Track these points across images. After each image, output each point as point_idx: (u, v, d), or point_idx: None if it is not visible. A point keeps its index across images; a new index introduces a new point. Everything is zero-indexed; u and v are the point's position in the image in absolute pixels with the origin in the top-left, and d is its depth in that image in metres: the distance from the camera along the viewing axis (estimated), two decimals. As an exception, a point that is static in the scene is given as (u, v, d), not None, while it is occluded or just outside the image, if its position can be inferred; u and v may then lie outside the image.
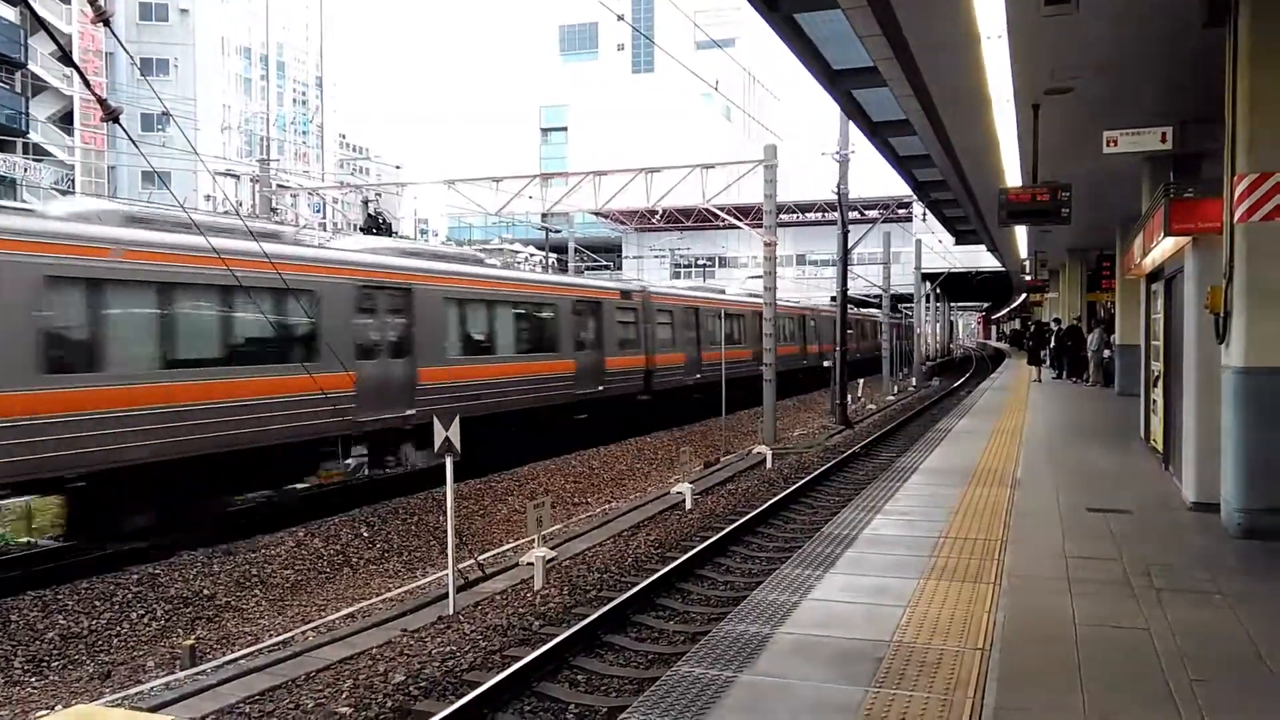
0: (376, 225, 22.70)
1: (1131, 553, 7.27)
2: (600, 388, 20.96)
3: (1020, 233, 24.04)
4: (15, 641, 8.58)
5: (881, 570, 6.86)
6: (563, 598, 9.04)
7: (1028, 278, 33.95)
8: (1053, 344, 29.05)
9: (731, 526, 11.55)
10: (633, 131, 77.20)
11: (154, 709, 6.29)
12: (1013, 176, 14.35)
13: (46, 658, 8.41)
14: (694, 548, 10.60)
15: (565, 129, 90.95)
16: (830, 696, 4.58)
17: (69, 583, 9.93)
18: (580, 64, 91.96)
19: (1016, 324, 71.63)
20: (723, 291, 32.43)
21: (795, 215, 62.38)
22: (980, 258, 46.02)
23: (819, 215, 59.39)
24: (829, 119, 27.58)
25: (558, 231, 47.64)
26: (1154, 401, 12.14)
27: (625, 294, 23.01)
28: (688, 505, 13.48)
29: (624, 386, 22.28)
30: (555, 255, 47.89)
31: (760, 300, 31.02)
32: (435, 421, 9.21)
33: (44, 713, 6.85)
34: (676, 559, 10.11)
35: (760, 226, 22.06)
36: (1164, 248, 9.67)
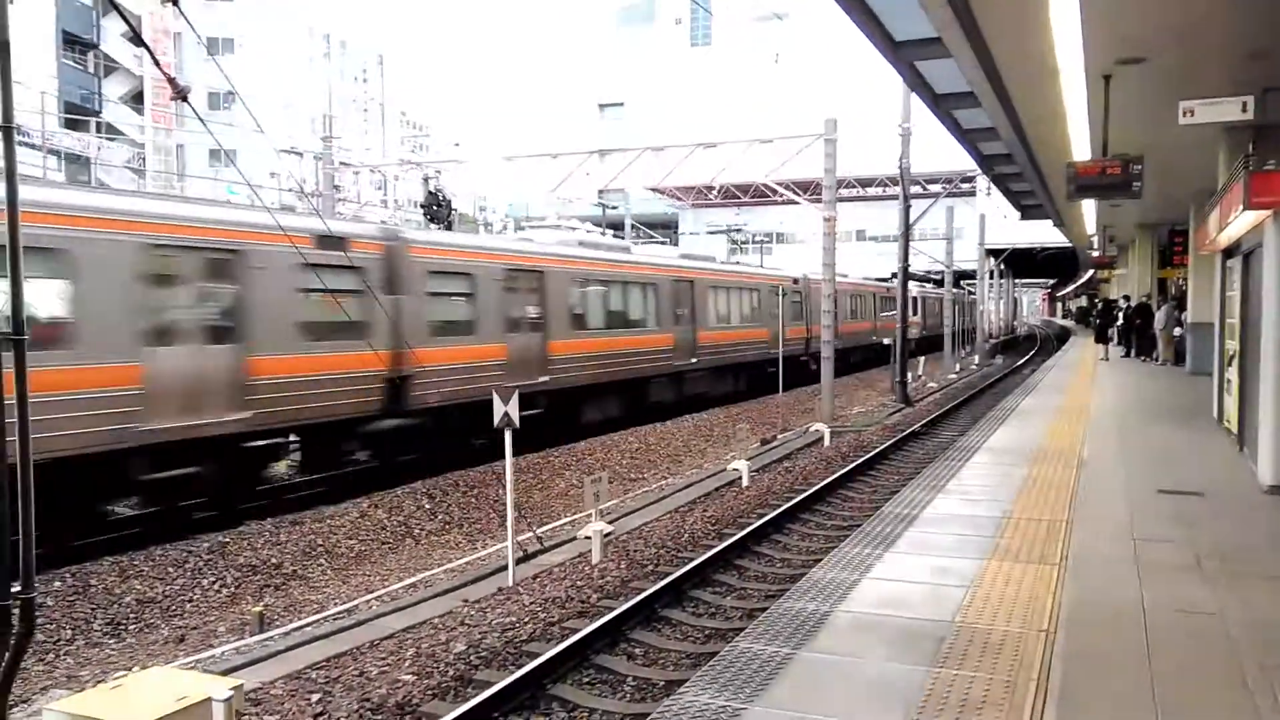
0: (436, 203, 22.87)
1: (1203, 536, 7.08)
2: (247, 414, 11.50)
3: (1088, 207, 23.35)
4: (94, 605, 8.92)
5: (943, 550, 6.78)
6: (620, 571, 9.10)
7: (1095, 253, 33.08)
8: (1121, 321, 28.34)
9: (789, 504, 11.50)
10: (691, 106, 76.64)
11: (225, 672, 6.48)
12: (1081, 149, 13.93)
13: (124, 621, 8.73)
14: (751, 524, 10.59)
15: (622, 104, 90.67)
16: (891, 675, 4.55)
17: (144, 549, 10.27)
18: (637, 40, 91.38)
19: (1083, 301, 69.96)
20: (628, 250, 22.72)
21: (855, 190, 61.52)
22: (1046, 233, 44.89)
23: (880, 190, 58.49)
24: (891, 92, 26.12)
25: (614, 208, 47.57)
26: (1228, 381, 11.77)
27: (329, 240, 12.40)
28: (744, 482, 13.45)
29: (325, 407, 12.65)
30: (612, 231, 47.96)
31: (684, 265, 23.21)
32: (495, 396, 9.30)
33: (122, 673, 7.10)
34: (733, 535, 10.11)
35: (820, 201, 21.78)
36: (1242, 222, 9.33)
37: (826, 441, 17.29)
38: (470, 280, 15.43)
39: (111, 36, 46.15)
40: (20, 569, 4.88)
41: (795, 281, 29.06)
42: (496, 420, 9.27)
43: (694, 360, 22.41)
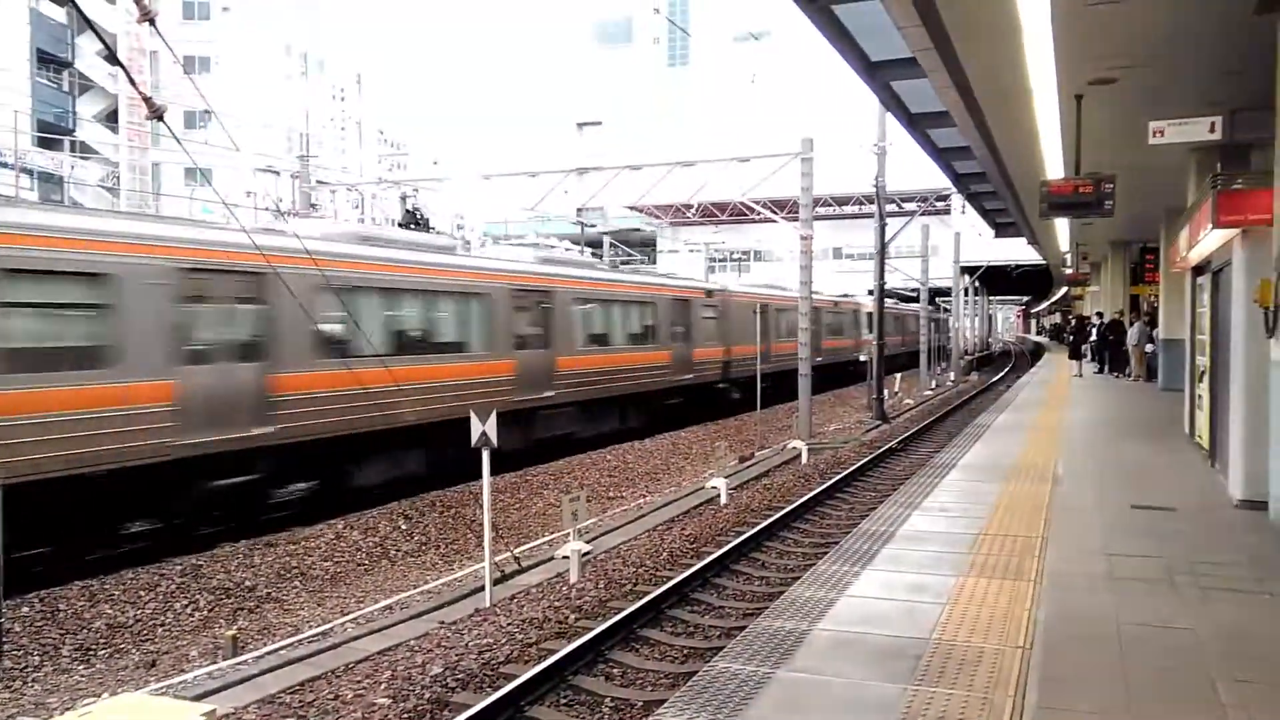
0: (414, 221, 22.84)
1: (1176, 551, 7.14)
2: None
3: (1061, 225, 23.66)
4: (63, 630, 8.77)
5: (920, 567, 6.79)
6: (598, 591, 9.06)
7: (1068, 271, 33.51)
8: (1094, 338, 28.66)
9: (767, 522, 11.50)
10: (669, 125, 77.17)
11: (198, 698, 6.39)
12: (1054, 168, 14.12)
13: (94, 646, 8.58)
14: (729, 542, 10.57)
15: (600, 123, 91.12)
16: (868, 694, 4.55)
17: (115, 573, 10.12)
18: (615, 59, 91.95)
19: (1057, 318, 70.68)
20: (451, 250, 16.96)
21: (832, 208, 61.99)
22: (1020, 250, 45.34)
23: (856, 208, 58.95)
24: (867, 111, 26.03)
25: (592, 226, 47.63)
26: (1199, 397, 11.91)
27: None
28: (723, 500, 13.44)
29: None
30: (590, 250, 48.01)
31: (537, 272, 17.94)
32: (472, 414, 9.26)
33: (91, 700, 6.99)
34: (711, 554, 10.09)
35: (796, 220, 21.90)
36: (1211, 240, 9.47)
37: (804, 459, 17.33)
38: (106, 286, 10.40)
39: (86, 55, 45.87)
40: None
41: (709, 294, 24.77)
42: (475, 440, 9.23)
43: (550, 394, 17.58)
